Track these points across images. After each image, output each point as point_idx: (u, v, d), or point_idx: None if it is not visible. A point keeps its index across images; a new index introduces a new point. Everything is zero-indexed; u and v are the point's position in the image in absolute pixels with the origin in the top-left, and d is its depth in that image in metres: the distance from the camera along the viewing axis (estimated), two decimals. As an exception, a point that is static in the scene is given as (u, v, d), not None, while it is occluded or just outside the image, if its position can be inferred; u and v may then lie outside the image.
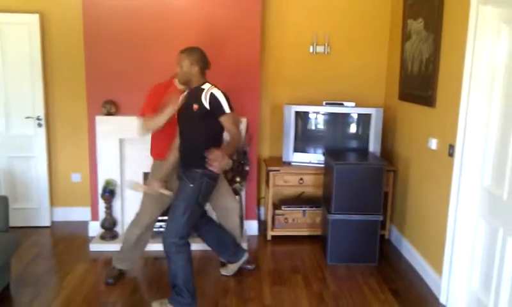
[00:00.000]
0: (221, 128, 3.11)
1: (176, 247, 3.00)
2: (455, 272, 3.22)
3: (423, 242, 3.78)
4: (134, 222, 3.52)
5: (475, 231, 3.12)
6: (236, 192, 4.11)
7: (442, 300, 3.32)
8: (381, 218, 3.93)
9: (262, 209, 4.89)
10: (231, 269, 3.67)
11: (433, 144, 3.56)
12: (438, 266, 3.43)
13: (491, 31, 2.92)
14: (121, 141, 4.20)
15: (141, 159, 4.20)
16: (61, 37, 4.46)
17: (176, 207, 3.06)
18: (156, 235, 4.05)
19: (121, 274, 3.56)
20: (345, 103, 4.35)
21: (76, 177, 4.71)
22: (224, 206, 3.61)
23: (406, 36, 4.16)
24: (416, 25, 3.90)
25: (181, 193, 3.07)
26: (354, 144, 4.42)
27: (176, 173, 3.26)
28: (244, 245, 4.14)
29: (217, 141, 3.14)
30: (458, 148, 3.15)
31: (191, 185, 3.04)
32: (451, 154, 3.26)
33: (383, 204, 3.97)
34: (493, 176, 2.95)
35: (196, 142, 3.10)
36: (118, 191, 4.23)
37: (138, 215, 3.51)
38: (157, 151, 3.54)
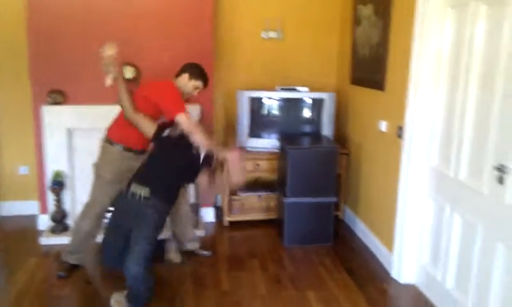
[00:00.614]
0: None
1: (145, 268, 2.88)
2: (405, 248, 3.35)
3: (375, 221, 3.90)
4: (84, 214, 3.39)
5: (423, 209, 3.25)
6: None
7: (394, 275, 3.45)
8: (334, 200, 4.01)
9: (219, 195, 4.88)
10: (177, 256, 3.67)
11: (383, 126, 3.66)
12: (389, 243, 3.56)
13: (437, 15, 3.01)
14: (69, 132, 4.06)
15: (91, 149, 4.06)
16: (2, 23, 4.23)
17: (145, 237, 2.89)
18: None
19: (73, 267, 3.47)
20: (299, 88, 4.39)
21: (24, 170, 4.51)
22: (176, 212, 3.56)
23: (356, 22, 4.23)
24: (366, 10, 3.98)
25: (147, 222, 2.93)
26: (307, 128, 4.47)
27: (132, 180, 3.07)
28: (201, 233, 4.14)
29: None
30: (406, 130, 3.25)
31: (156, 216, 2.95)
32: (400, 135, 3.36)
33: (336, 186, 4.05)
34: (439, 155, 3.08)
35: (178, 178, 3.14)
36: (67, 183, 4.09)
37: (88, 206, 3.39)
38: (124, 138, 3.31)
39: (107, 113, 3.93)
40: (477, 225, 2.65)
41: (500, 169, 2.39)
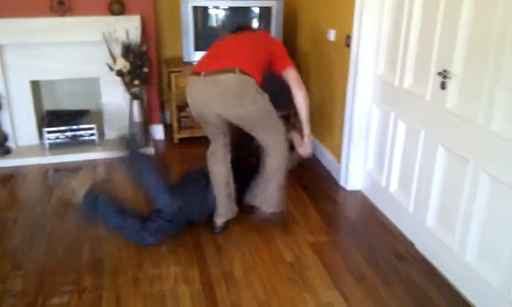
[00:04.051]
0: None
1: None
2: (352, 156, 3.43)
3: (325, 133, 3.94)
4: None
5: (369, 117, 3.30)
6: (136, 97, 3.94)
7: (342, 183, 3.56)
8: (285, 113, 3.99)
9: (167, 113, 4.78)
10: None
11: (332, 35, 3.60)
12: (338, 154, 3.63)
13: None
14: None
15: (27, 66, 3.84)
16: None
17: None
18: (53, 147, 3.88)
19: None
20: (245, -4, 4.20)
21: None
22: None
23: None
24: None
25: None
26: (256, 40, 4.33)
27: None
28: (151, 150, 4.09)
29: None
30: (354, 38, 3.21)
31: None
32: (348, 44, 3.32)
33: (287, 101, 4.00)
34: (386, 64, 3.08)
35: None
36: (4, 102, 3.85)
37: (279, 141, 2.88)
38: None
39: (43, 26, 3.69)
40: (419, 130, 2.71)
41: (443, 74, 2.41)
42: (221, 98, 2.65)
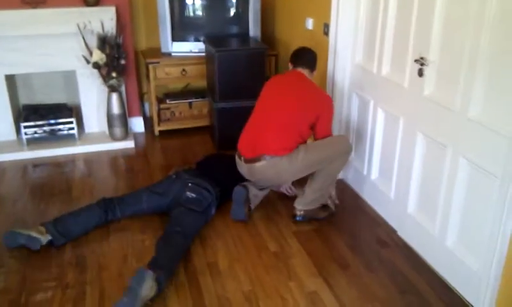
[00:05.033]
0: None
1: None
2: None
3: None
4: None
5: (349, 105, 3.32)
6: (114, 89, 3.88)
7: (323, 172, 3.58)
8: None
9: (147, 105, 4.73)
10: None
11: (310, 24, 3.60)
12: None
13: None
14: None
15: (0, 60, 3.75)
16: None
17: None
18: (31, 142, 3.81)
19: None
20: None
21: None
22: None
23: None
24: None
25: None
26: (234, 29, 4.31)
27: None
28: (131, 143, 4.05)
29: None
30: (332, 27, 3.21)
31: None
32: (326, 33, 3.33)
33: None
34: (364, 52, 3.10)
35: None
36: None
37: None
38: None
39: (15, 19, 3.61)
40: (398, 118, 2.74)
41: (420, 61, 2.44)
42: (263, 180, 2.94)
